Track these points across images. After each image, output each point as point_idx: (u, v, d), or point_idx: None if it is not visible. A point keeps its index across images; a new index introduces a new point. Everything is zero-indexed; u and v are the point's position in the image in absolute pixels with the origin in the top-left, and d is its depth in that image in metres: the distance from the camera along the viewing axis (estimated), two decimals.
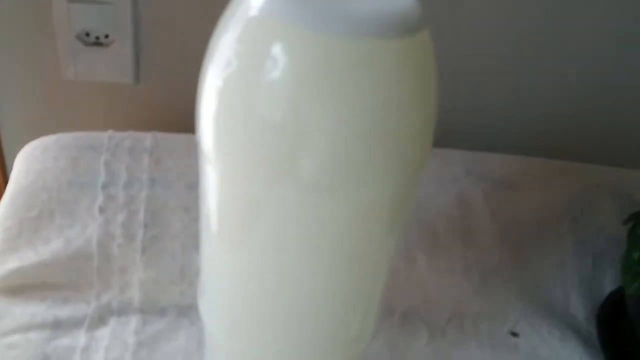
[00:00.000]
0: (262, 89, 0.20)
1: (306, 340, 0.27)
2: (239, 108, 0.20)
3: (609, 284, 0.41)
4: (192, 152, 0.23)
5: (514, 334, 0.37)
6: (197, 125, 0.22)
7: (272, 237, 0.23)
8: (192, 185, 0.40)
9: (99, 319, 0.34)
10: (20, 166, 0.41)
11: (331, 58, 0.19)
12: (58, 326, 0.34)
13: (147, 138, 0.43)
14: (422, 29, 0.20)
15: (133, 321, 0.35)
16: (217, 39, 0.21)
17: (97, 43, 0.44)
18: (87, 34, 0.44)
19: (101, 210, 0.39)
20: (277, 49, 0.19)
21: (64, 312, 0.34)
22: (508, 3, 0.44)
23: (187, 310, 0.35)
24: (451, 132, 0.44)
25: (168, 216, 0.39)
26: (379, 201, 0.22)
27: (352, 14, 0.19)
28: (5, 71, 0.46)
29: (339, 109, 0.20)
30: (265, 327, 0.26)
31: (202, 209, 0.25)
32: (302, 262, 0.23)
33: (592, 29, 0.46)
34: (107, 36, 0.44)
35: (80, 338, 0.33)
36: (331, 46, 0.19)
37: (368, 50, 0.19)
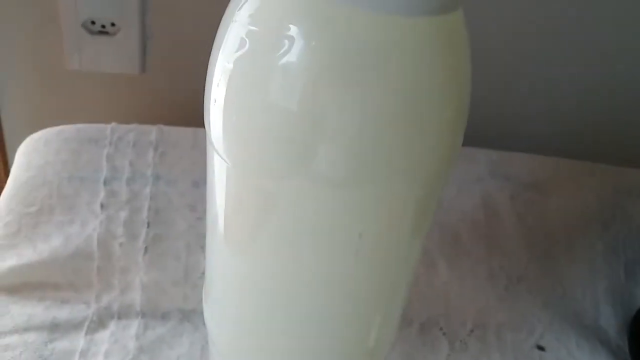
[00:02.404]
0: (277, 71, 0.18)
1: (319, 350, 0.25)
2: (251, 93, 0.18)
3: None
4: (199, 147, 0.21)
5: (540, 348, 0.35)
6: (205, 112, 0.20)
7: (284, 237, 0.21)
8: (199, 182, 0.39)
9: (99, 322, 0.33)
10: (21, 159, 0.40)
11: (356, 37, 0.17)
12: (56, 328, 0.33)
13: (152, 131, 0.41)
14: (456, 7, 0.18)
15: (134, 325, 0.33)
16: (229, 16, 0.19)
17: (103, 32, 0.42)
18: (93, 22, 0.42)
19: (103, 206, 0.37)
20: (295, 25, 0.17)
21: (63, 313, 0.33)
22: None
23: (191, 315, 0.34)
24: (475, 129, 0.41)
25: (172, 214, 0.38)
26: (403, 197, 0.20)
27: None
28: (7, 60, 0.44)
29: (363, 94, 0.17)
30: (275, 335, 0.25)
31: (210, 205, 0.23)
32: (317, 265, 0.21)
33: (622, 24, 0.44)
34: (113, 24, 0.42)
35: (79, 341, 0.32)
36: (356, 23, 0.17)
37: (397, 28, 0.17)
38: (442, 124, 0.19)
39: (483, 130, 0.44)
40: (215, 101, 0.19)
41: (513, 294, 0.37)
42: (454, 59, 0.19)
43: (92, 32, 0.42)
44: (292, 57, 0.17)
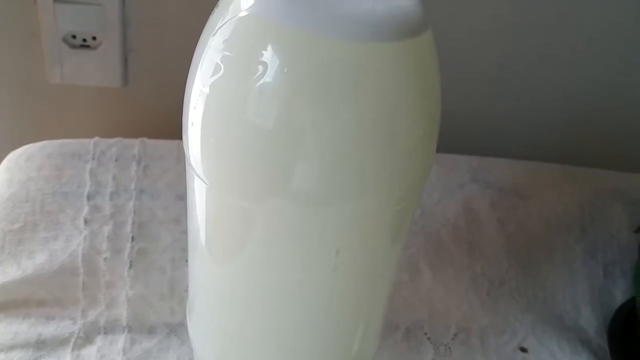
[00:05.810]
0: (252, 94, 0.18)
1: None
2: (227, 115, 0.19)
3: (620, 295, 0.39)
4: (183, 159, 0.21)
5: (523, 350, 0.36)
6: (184, 134, 0.21)
7: (264, 253, 0.21)
8: (182, 195, 0.38)
9: (85, 338, 0.33)
10: (4, 176, 0.40)
11: (327, 61, 0.17)
12: (42, 345, 0.32)
13: (135, 145, 0.41)
14: (424, 30, 0.19)
15: (121, 340, 0.33)
16: (204, 41, 0.19)
17: (84, 45, 0.42)
18: (74, 36, 0.42)
19: (86, 222, 0.37)
20: (269, 52, 0.17)
21: (49, 330, 0.33)
22: (515, 1, 0.43)
23: (178, 329, 0.34)
24: (456, 136, 0.42)
25: (157, 228, 0.38)
26: (379, 214, 0.21)
27: (350, 15, 0.17)
28: None
29: (335, 116, 0.18)
30: (259, 349, 0.25)
31: (190, 223, 0.24)
32: (297, 280, 0.22)
33: (601, 30, 0.44)
34: (94, 38, 0.42)
35: (65, 357, 0.32)
36: (328, 49, 0.17)
37: (367, 53, 0.18)
38: (415, 141, 0.20)
39: (464, 136, 0.45)
40: (192, 124, 0.20)
41: (495, 298, 0.38)
42: (423, 79, 0.19)
43: (73, 46, 0.42)
44: (266, 81, 0.17)
